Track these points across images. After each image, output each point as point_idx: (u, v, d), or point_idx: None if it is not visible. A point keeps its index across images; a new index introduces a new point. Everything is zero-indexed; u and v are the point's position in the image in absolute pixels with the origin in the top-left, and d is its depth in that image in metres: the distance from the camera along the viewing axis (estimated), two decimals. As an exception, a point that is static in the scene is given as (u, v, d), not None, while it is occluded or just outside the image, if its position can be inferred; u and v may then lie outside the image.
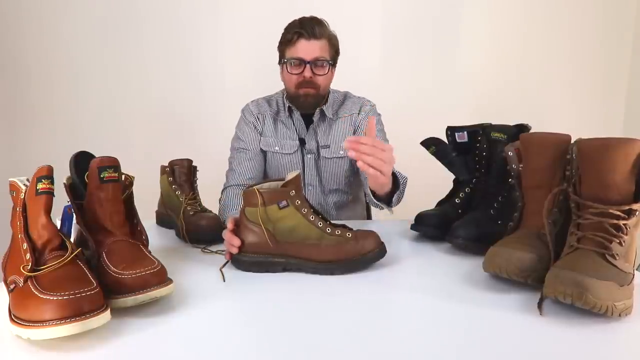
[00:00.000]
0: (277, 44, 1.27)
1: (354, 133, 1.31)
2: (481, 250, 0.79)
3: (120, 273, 0.63)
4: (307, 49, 1.19)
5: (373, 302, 0.69)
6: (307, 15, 1.24)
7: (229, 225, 0.85)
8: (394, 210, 1.12)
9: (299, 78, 1.21)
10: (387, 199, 1.08)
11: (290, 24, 1.23)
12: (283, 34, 1.24)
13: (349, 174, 1.34)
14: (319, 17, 1.23)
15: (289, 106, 1.30)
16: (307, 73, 1.20)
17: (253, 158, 1.30)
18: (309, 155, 1.31)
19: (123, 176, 0.75)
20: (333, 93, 1.35)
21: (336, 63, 1.29)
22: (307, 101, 1.24)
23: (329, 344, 0.56)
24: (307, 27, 1.19)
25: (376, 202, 1.08)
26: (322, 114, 1.30)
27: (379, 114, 1.36)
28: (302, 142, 1.31)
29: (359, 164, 0.84)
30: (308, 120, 1.31)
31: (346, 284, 0.76)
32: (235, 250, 0.83)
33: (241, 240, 0.82)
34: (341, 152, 1.30)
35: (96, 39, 2.19)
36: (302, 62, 1.20)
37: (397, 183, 1.07)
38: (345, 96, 1.37)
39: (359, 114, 1.32)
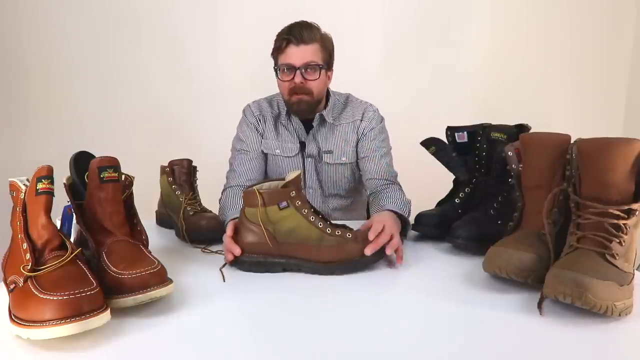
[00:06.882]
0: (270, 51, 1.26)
1: (358, 140, 1.29)
2: (481, 250, 0.78)
3: (120, 273, 0.63)
4: (297, 54, 1.18)
5: (373, 303, 0.69)
6: (307, 16, 1.23)
7: (229, 230, 0.85)
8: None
9: (290, 84, 1.20)
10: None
11: (280, 31, 1.22)
12: (274, 41, 1.23)
13: (350, 180, 1.34)
14: (309, 21, 1.22)
15: (287, 109, 1.30)
16: (298, 79, 1.18)
17: (254, 159, 1.30)
18: (309, 159, 1.30)
19: (123, 176, 0.75)
20: (334, 95, 1.34)
21: (331, 66, 1.28)
22: (300, 108, 1.23)
23: (329, 344, 0.56)
24: (296, 33, 1.17)
25: None
26: (322, 119, 1.29)
27: (382, 118, 1.35)
28: (302, 145, 1.31)
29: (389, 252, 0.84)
30: (308, 124, 1.30)
31: (346, 284, 0.76)
32: (232, 258, 0.83)
33: (241, 240, 0.82)
34: (343, 159, 1.29)
35: (96, 39, 2.19)
36: (292, 68, 1.19)
37: (404, 224, 1.02)
38: (347, 99, 1.35)
39: (361, 120, 1.30)
